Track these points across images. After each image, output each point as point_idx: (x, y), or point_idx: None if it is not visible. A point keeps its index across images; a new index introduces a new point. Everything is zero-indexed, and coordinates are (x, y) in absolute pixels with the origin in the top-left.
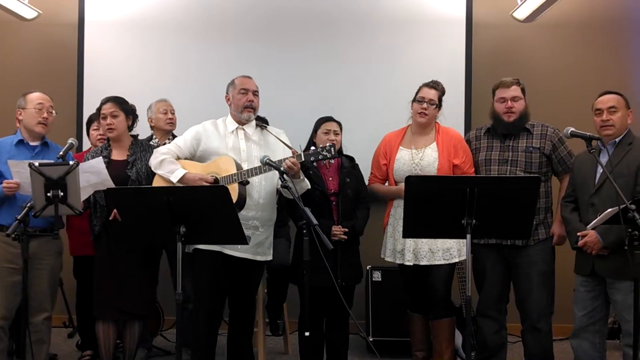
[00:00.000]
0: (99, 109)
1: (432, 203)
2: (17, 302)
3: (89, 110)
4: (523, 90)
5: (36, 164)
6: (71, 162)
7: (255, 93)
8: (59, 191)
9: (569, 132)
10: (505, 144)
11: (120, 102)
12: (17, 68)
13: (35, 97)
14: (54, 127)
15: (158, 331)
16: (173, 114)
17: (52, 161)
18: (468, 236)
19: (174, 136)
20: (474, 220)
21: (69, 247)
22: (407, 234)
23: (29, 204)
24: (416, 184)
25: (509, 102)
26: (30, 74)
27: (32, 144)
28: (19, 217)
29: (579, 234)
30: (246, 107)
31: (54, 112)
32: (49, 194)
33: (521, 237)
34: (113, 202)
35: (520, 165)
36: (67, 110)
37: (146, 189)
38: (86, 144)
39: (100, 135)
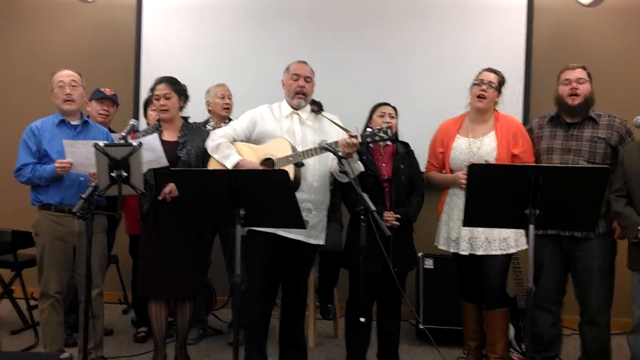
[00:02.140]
0: (152, 89)
1: (495, 192)
2: (69, 278)
3: (146, 91)
4: (589, 75)
5: (101, 144)
6: (134, 143)
7: (308, 79)
8: (122, 171)
9: (639, 121)
10: (569, 132)
11: (173, 83)
12: (76, 49)
13: (56, 76)
14: None
15: (210, 311)
16: (230, 99)
17: (116, 142)
18: (531, 227)
19: (230, 120)
20: (538, 211)
21: (125, 226)
22: (467, 222)
23: (93, 184)
24: (479, 172)
25: (574, 83)
26: (89, 55)
27: (73, 123)
28: (84, 195)
29: None
30: (297, 92)
31: (79, 85)
32: (112, 174)
33: (586, 229)
34: (176, 182)
35: (584, 154)
36: (124, 92)
37: (208, 171)
38: (142, 125)
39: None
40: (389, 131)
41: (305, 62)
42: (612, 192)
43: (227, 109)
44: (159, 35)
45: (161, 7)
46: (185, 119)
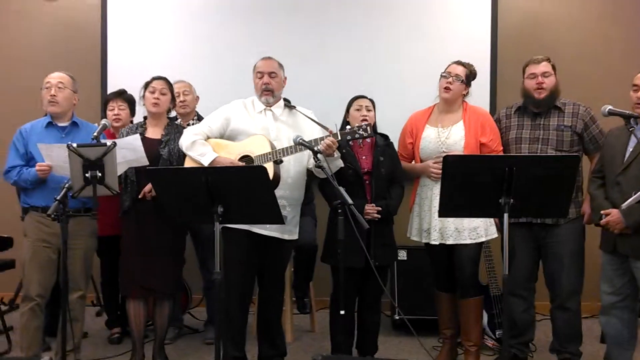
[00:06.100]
0: (146, 85)
1: (470, 182)
2: (53, 281)
3: (112, 89)
4: (553, 67)
5: (74, 145)
6: (109, 143)
7: (272, 74)
8: (97, 172)
9: (607, 110)
10: (536, 122)
11: (170, 84)
12: (41, 47)
13: (46, 78)
14: (78, 105)
15: (186, 309)
16: (186, 95)
17: (89, 142)
18: (505, 215)
19: (199, 116)
20: (512, 200)
21: None
22: (443, 213)
23: (67, 185)
24: (454, 163)
25: (540, 77)
26: (54, 53)
27: (60, 124)
28: (58, 197)
29: (602, 212)
30: (263, 90)
31: (66, 87)
32: (87, 175)
33: (558, 216)
34: (153, 181)
35: (552, 143)
36: (91, 90)
37: (185, 169)
38: None
39: (115, 115)
40: (368, 128)
41: (270, 58)
42: (592, 173)
43: (183, 106)
44: (126, 32)
45: (126, 3)
46: (171, 119)
